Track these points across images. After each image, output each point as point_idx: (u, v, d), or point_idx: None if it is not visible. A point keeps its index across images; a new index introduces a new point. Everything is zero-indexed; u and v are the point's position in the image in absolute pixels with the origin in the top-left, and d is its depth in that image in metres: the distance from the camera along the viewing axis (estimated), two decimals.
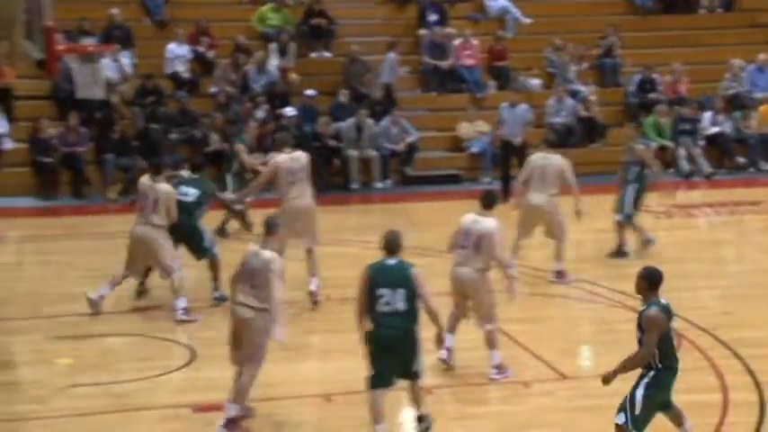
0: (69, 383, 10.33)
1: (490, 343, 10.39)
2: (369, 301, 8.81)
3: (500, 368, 10.39)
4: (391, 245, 8.94)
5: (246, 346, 9.09)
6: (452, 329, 10.47)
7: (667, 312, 7.92)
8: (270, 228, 9.39)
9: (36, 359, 11.17)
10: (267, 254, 9.15)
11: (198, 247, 12.68)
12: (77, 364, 10.95)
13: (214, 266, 12.69)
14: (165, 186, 12.25)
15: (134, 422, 9.50)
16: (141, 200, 12.31)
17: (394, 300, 8.74)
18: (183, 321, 12.06)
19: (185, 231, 12.51)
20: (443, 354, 10.24)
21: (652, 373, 7.92)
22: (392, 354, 8.80)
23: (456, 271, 10.29)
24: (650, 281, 7.93)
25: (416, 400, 9.17)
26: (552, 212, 13.54)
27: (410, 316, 8.81)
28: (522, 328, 11.87)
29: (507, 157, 19.09)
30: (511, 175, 18.07)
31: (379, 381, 8.82)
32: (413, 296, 8.80)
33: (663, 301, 7.94)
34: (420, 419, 9.20)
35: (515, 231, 13.57)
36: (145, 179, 12.40)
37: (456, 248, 10.31)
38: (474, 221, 10.25)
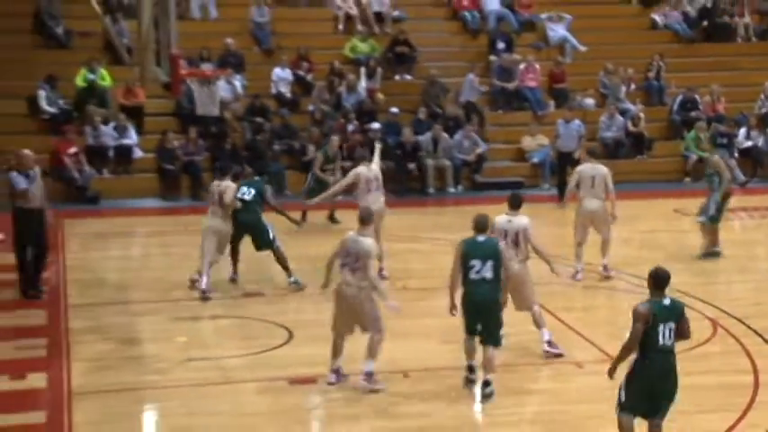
0: (185, 358, 10.41)
1: (538, 322, 10.34)
2: (462, 271, 9.17)
3: (551, 343, 10.29)
4: (481, 225, 9.36)
5: (364, 319, 9.30)
6: None
7: (664, 311, 7.42)
8: (365, 218, 9.56)
9: (158, 337, 11.24)
10: (366, 240, 9.33)
11: (263, 241, 12.78)
12: (192, 341, 11.04)
13: (280, 257, 12.75)
14: (227, 182, 12.58)
15: (239, 392, 9.53)
16: (210, 199, 12.67)
17: (483, 269, 9.11)
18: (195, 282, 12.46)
19: (250, 225, 12.69)
20: None
21: (632, 364, 7.54)
22: (480, 314, 9.19)
23: None
24: (655, 280, 7.52)
25: (487, 365, 9.21)
26: (603, 216, 13.32)
27: (496, 283, 9.19)
28: (574, 315, 11.70)
29: (563, 166, 18.85)
30: (566, 182, 17.81)
31: (470, 330, 9.28)
32: (499, 267, 9.17)
33: (666, 301, 7.48)
34: (486, 384, 9.22)
35: (572, 233, 13.36)
36: (214, 183, 12.76)
37: None
38: (508, 221, 10.26)
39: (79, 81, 19.90)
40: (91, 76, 19.86)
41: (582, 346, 10.74)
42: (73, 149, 18.78)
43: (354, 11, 22.76)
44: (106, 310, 12.19)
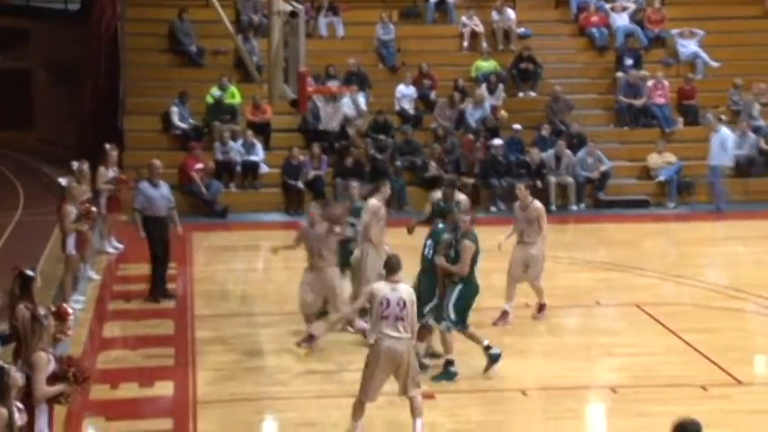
0: (306, 370, 10.57)
1: None
2: None
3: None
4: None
5: None
6: None
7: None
8: None
9: (279, 348, 11.41)
10: None
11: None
12: (313, 354, 11.11)
13: None
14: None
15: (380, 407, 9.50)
16: None
17: None
18: None
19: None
20: None
21: None
22: None
23: None
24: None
25: None
26: None
27: None
28: (700, 337, 11.37)
29: None
30: None
31: None
32: None
33: None
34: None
35: None
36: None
37: None
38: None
39: (210, 98, 20.48)
40: (219, 93, 20.37)
41: (708, 369, 10.43)
42: (200, 165, 19.29)
43: (479, 28, 22.75)
44: (230, 321, 12.47)
